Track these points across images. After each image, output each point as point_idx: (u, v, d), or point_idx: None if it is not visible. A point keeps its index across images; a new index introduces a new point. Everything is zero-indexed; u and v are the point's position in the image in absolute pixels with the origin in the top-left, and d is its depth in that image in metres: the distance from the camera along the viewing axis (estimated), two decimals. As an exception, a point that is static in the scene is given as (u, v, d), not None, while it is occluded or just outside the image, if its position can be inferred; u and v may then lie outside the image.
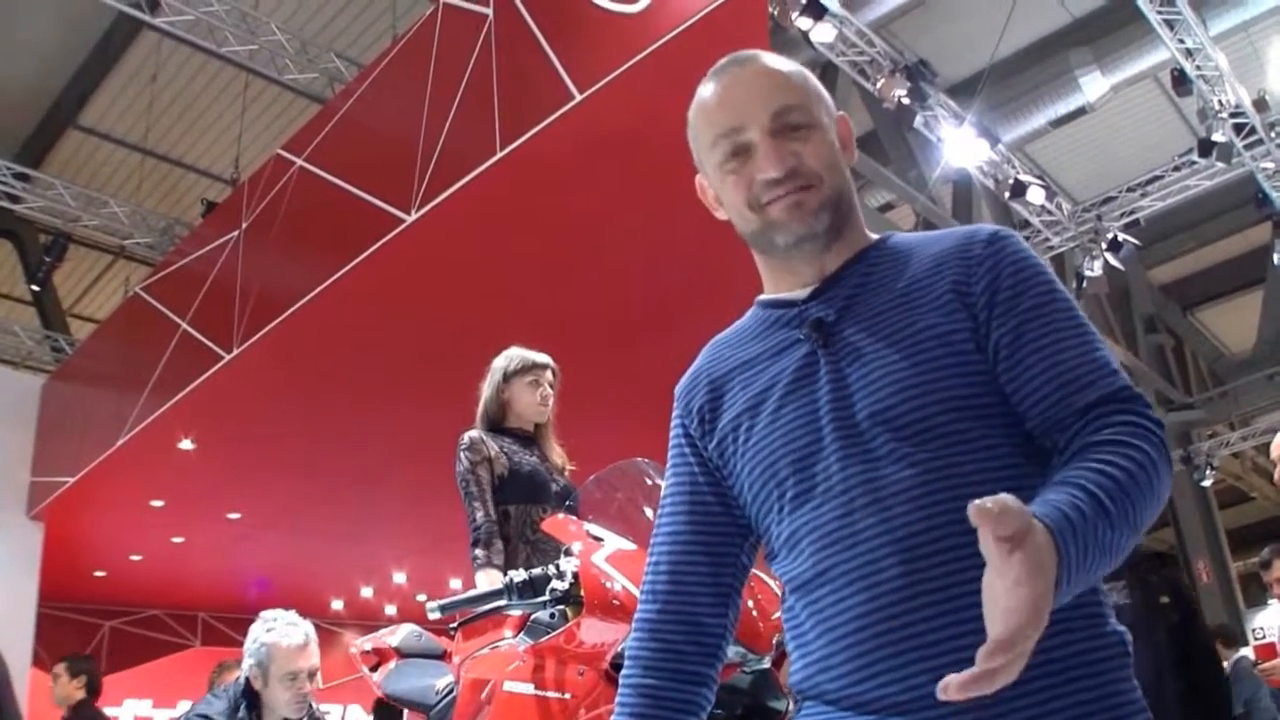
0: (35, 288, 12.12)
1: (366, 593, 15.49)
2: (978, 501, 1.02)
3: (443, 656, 3.45)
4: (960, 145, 9.24)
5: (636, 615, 1.54)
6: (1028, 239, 10.87)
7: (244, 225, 8.48)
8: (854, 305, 1.44)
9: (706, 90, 1.51)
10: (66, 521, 10.75)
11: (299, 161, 7.97)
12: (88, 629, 14.52)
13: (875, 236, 1.54)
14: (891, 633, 1.26)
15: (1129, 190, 10.69)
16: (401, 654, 3.49)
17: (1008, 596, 1.03)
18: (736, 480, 1.49)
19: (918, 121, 8.86)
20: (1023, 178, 9.46)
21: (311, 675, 3.70)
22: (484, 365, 4.08)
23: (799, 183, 1.43)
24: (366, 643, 3.64)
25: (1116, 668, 1.28)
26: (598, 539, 2.43)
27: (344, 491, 10.79)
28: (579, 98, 5.80)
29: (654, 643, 1.51)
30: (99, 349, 10.95)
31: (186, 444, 9.55)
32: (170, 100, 11.92)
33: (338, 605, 16.08)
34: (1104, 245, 10.30)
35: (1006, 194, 9.61)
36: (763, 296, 1.57)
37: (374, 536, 12.66)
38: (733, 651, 2.17)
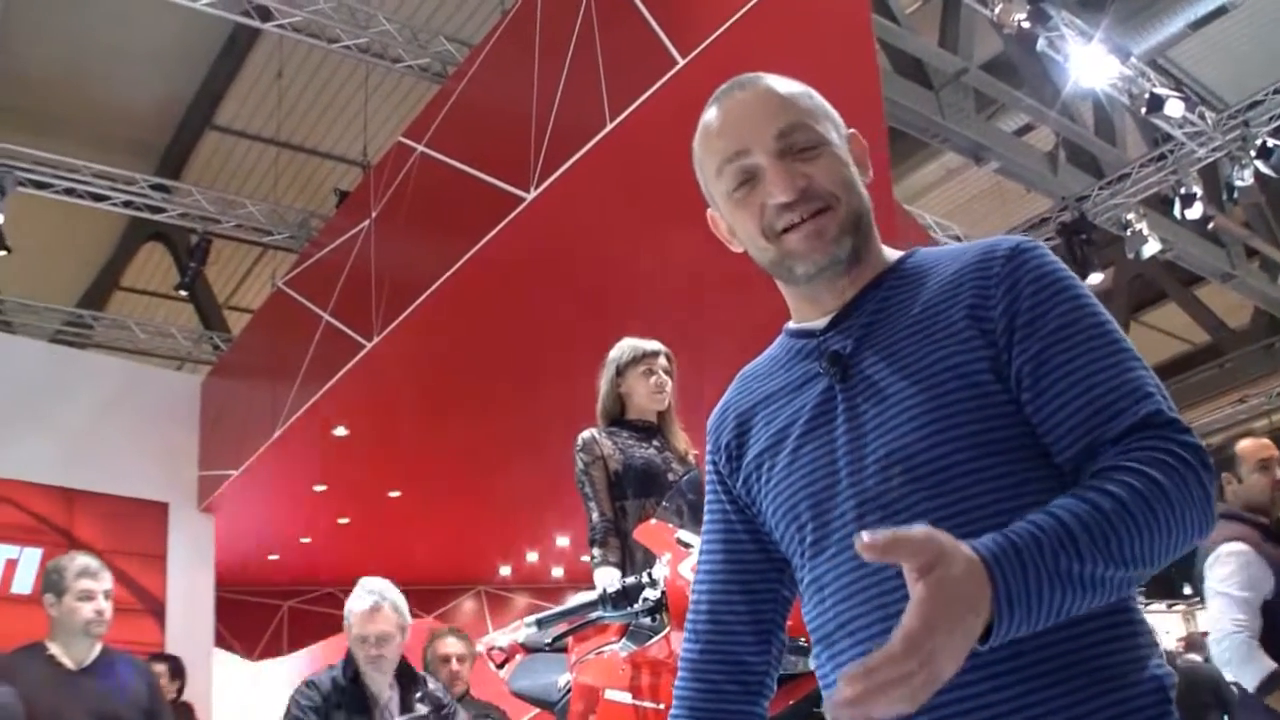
0: (183, 292, 12.51)
1: (532, 557, 15.75)
2: (866, 536, 1.02)
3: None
4: (1089, 63, 8.85)
5: (680, 654, 1.54)
6: (1171, 153, 10.46)
7: (373, 214, 8.63)
8: (871, 335, 1.37)
9: (708, 117, 1.47)
10: (235, 511, 11.15)
11: (419, 148, 8.07)
12: (268, 610, 15.14)
13: (897, 255, 1.47)
14: None
15: (1276, 92, 10.13)
16: (528, 650, 3.54)
17: (906, 616, 1.01)
18: (764, 519, 1.46)
19: (1041, 44, 8.51)
20: (1159, 91, 9.01)
21: (380, 640, 3.91)
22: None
23: (814, 206, 1.37)
24: (500, 638, 3.70)
25: (1155, 716, 1.21)
26: (688, 545, 2.41)
27: (499, 461, 10.96)
28: (681, 63, 5.74)
29: (697, 683, 1.50)
30: (250, 343, 11.32)
31: (340, 430, 9.82)
32: (298, 94, 12.17)
33: (505, 571, 16.40)
34: (1253, 153, 9.81)
35: (1143, 109, 9.20)
36: (789, 325, 1.52)
37: (534, 502, 12.84)
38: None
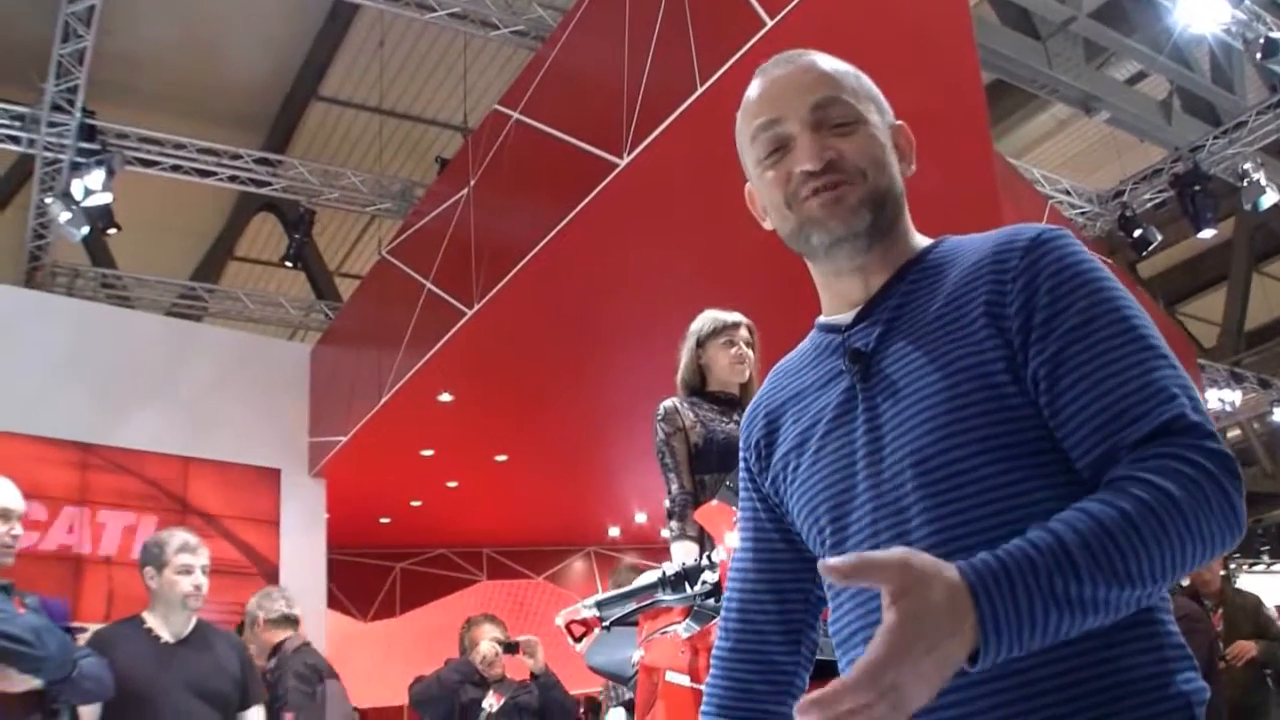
0: (288, 264, 12.71)
1: (641, 518, 15.82)
2: (832, 560, 0.98)
3: (644, 626, 3.49)
4: (1199, 7, 8.51)
5: (713, 652, 1.52)
6: (1290, 98, 10.07)
7: (472, 182, 8.68)
8: (893, 331, 1.33)
9: (750, 90, 1.45)
10: (346, 476, 11.35)
11: (515, 115, 8.08)
12: (381, 571, 15.48)
13: (926, 243, 1.42)
14: None
15: (1407, 31, 9.65)
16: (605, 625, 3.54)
17: (870, 644, 0.96)
18: (792, 519, 1.43)
19: (1148, -11, 8.23)
20: (1275, 35, 8.67)
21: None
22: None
23: (837, 178, 1.33)
24: (579, 611, 3.70)
25: None
26: None
27: (602, 424, 11.02)
28: (770, 23, 5.66)
29: (727, 681, 1.48)
30: (356, 312, 11.47)
31: (445, 396, 9.94)
32: (400, 63, 12.30)
33: (614, 532, 16.51)
34: (1377, 98, 9.42)
35: (1258, 55, 8.84)
36: (819, 319, 1.48)
37: (641, 463, 12.84)
38: None
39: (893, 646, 0.95)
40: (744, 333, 3.75)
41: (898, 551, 1.00)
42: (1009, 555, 1.03)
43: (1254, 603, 6.50)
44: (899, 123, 1.45)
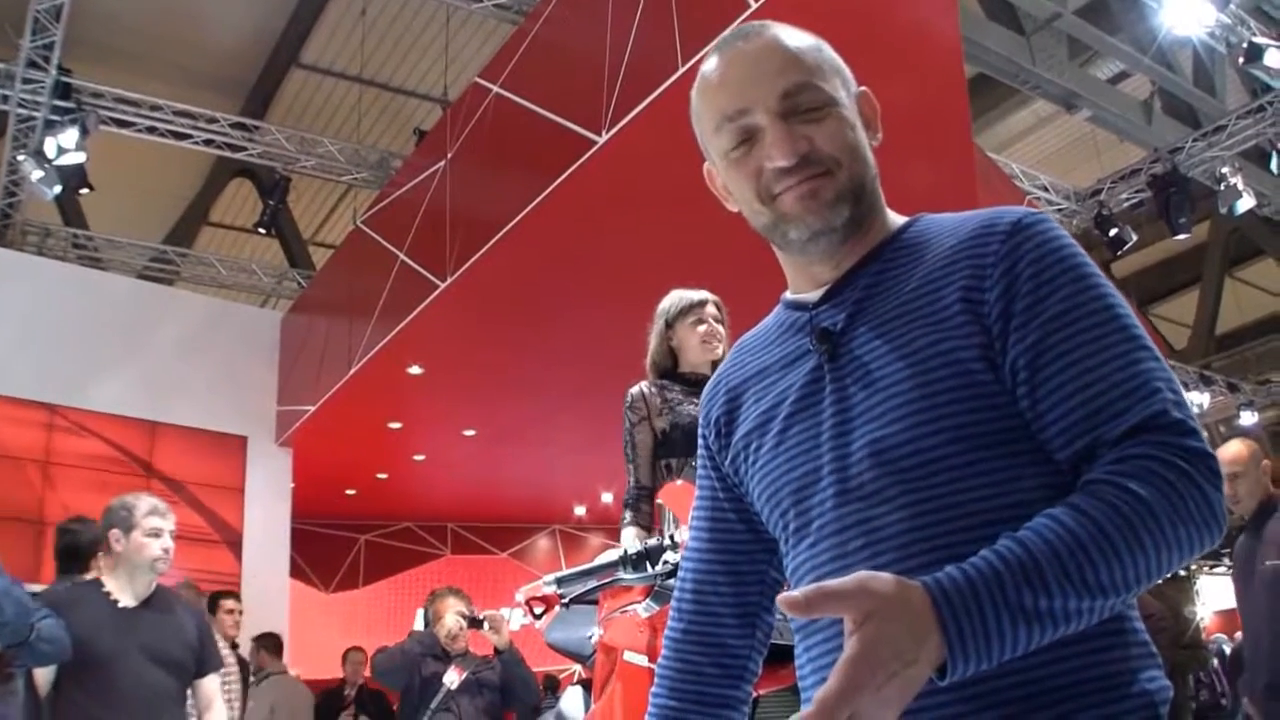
0: (261, 230, 12.60)
1: (607, 498, 15.82)
2: (797, 593, 0.96)
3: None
4: (1184, 9, 8.50)
5: (665, 633, 1.49)
6: (1271, 104, 10.10)
7: (449, 155, 8.63)
8: (864, 311, 1.28)
9: (708, 67, 1.36)
10: (313, 446, 11.31)
11: (495, 88, 8.03)
12: (345, 542, 15.46)
13: (901, 222, 1.37)
14: None
15: (1388, 40, 9.68)
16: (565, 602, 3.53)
17: (831, 675, 0.94)
18: (751, 500, 1.39)
19: (1134, -11, 8.23)
20: (1258, 40, 8.65)
21: None
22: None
23: (812, 170, 1.27)
24: (536, 589, 3.68)
25: None
26: None
27: (572, 404, 10.99)
28: (754, 5, 5.63)
29: (677, 663, 1.46)
30: (329, 281, 11.42)
31: (415, 369, 9.89)
32: (382, 32, 12.19)
33: (580, 511, 16.51)
34: (1359, 105, 9.44)
35: (1240, 59, 8.84)
36: (785, 295, 1.44)
37: (609, 444, 12.81)
38: None
39: (850, 679, 0.93)
40: (712, 309, 3.70)
41: (857, 577, 0.98)
42: (975, 570, 1.01)
43: (1175, 603, 6.52)
44: (862, 89, 1.39)
